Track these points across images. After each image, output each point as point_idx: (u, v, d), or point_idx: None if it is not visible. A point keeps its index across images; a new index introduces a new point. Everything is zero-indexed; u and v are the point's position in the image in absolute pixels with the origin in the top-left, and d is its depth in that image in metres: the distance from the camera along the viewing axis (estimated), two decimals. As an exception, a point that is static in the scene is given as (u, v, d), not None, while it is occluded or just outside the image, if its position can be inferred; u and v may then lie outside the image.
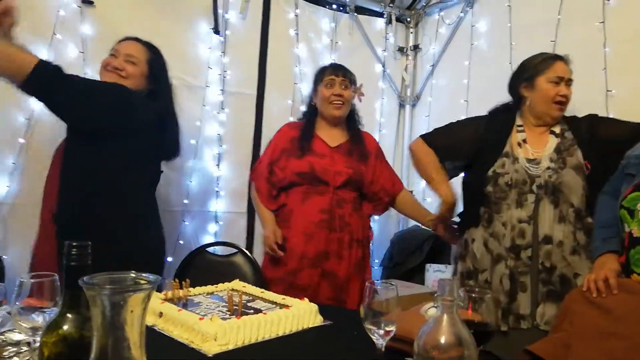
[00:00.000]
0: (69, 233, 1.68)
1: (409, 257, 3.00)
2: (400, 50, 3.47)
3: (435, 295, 0.89)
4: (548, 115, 1.96)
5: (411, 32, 3.48)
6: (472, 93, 2.99)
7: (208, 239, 2.66)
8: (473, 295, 1.09)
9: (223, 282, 1.71)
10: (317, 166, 2.17)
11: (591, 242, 1.78)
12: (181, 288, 1.55)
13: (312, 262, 2.13)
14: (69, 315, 0.81)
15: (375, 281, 1.13)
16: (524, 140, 1.97)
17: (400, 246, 3.11)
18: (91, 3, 2.35)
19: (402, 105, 3.51)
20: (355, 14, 3.22)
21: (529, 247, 1.85)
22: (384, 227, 3.36)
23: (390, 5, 3.34)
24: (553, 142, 1.95)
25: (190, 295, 1.56)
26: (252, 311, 1.42)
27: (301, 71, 2.99)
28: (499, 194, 1.91)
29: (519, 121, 2.03)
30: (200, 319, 1.27)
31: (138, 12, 2.47)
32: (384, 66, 3.36)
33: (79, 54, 2.32)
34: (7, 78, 1.64)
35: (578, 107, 2.34)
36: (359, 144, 2.30)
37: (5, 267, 1.97)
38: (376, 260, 3.27)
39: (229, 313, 1.41)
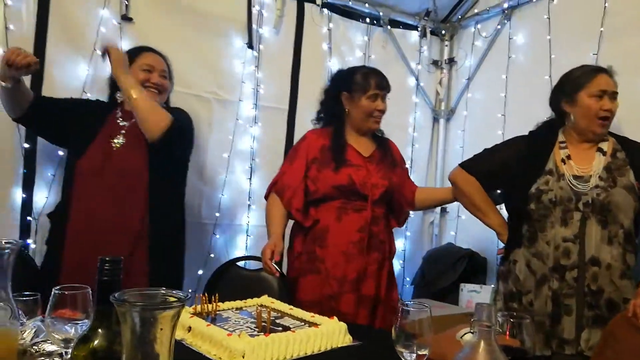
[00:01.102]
0: (158, 248, 1.90)
1: (442, 275, 2.91)
2: (435, 63, 3.43)
3: (472, 320, 0.85)
4: (591, 131, 1.87)
5: (446, 45, 3.43)
6: (509, 107, 2.92)
7: (238, 252, 2.66)
8: (512, 319, 1.05)
9: (252, 297, 1.70)
10: (356, 178, 2.02)
11: (637, 263, 1.70)
12: (210, 302, 1.54)
13: (354, 286, 1.98)
14: (99, 330, 0.82)
15: (408, 302, 1.10)
16: (568, 157, 1.88)
17: (433, 264, 3.03)
18: (130, 19, 2.41)
19: (436, 119, 3.46)
20: (389, 27, 3.20)
21: (575, 267, 1.74)
22: (416, 243, 3.30)
23: (425, 18, 3.31)
24: (600, 159, 1.85)
25: (219, 310, 1.55)
26: (280, 328, 1.40)
27: (334, 85, 2.98)
28: (542, 212, 1.82)
29: (561, 137, 1.94)
30: (229, 334, 1.26)
31: (174, 28, 2.52)
32: (417, 80, 3.32)
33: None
34: (143, 127, 1.85)
35: (623, 124, 2.25)
36: (387, 151, 2.20)
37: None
38: (407, 279, 3.20)
39: (257, 330, 1.39)
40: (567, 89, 1.92)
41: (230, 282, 2.09)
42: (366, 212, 2.03)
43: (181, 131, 1.95)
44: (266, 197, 2.14)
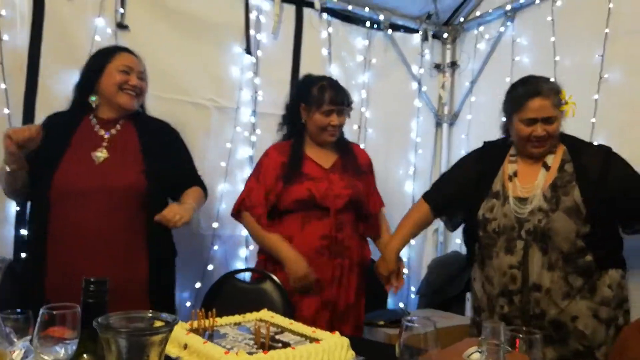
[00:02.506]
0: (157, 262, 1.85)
1: (448, 285, 2.85)
2: (437, 67, 3.38)
3: (480, 338, 0.80)
4: (527, 152, 1.86)
5: (448, 49, 3.39)
6: (513, 110, 2.86)
7: (239, 264, 2.61)
8: (521, 335, 1.00)
9: (251, 311, 1.64)
10: (316, 192, 2.04)
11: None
12: (207, 317, 1.49)
13: (315, 291, 2.01)
14: (85, 355, 0.79)
15: (413, 316, 1.05)
16: (515, 174, 1.87)
17: (439, 273, 2.97)
18: (126, 27, 2.38)
19: (439, 124, 3.41)
20: (390, 31, 3.16)
21: (519, 292, 1.80)
22: (420, 252, 3.24)
23: (427, 21, 3.27)
24: (543, 176, 1.81)
25: (216, 326, 1.49)
26: (280, 345, 1.34)
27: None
28: (487, 240, 1.87)
29: (513, 150, 1.93)
30: (226, 352, 1.20)
31: (171, 35, 2.49)
32: (419, 84, 3.28)
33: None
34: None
35: (628, 128, 2.20)
36: (350, 159, 2.18)
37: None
38: (412, 288, 3.14)
39: (255, 346, 1.33)
40: (506, 107, 1.90)
41: (229, 295, 2.03)
42: (329, 220, 2.05)
43: (205, 188, 2.08)
44: (235, 215, 2.15)
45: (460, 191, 1.99)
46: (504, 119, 1.97)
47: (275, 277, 2.01)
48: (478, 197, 1.89)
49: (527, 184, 1.83)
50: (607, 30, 2.38)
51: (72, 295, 0.96)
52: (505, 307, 1.82)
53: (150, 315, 0.66)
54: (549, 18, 2.68)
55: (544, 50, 2.69)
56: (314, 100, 2.08)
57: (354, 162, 2.18)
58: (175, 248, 1.99)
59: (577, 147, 1.85)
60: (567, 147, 1.86)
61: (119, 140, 1.84)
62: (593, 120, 2.37)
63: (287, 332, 1.48)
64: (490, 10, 3.08)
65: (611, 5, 2.37)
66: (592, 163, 1.80)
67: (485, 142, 2.08)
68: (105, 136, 1.85)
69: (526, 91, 1.81)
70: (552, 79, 2.49)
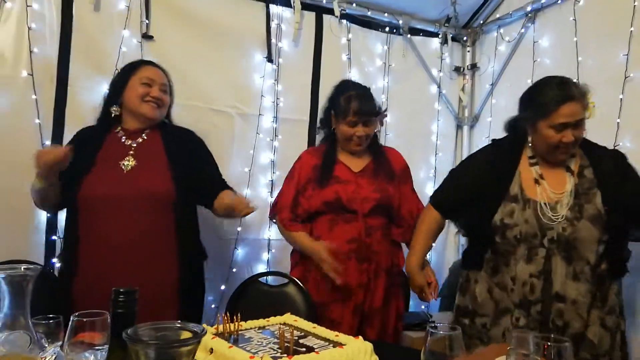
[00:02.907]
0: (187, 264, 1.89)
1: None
2: (457, 70, 3.37)
3: (509, 349, 0.80)
4: (551, 158, 1.79)
5: (468, 51, 3.37)
6: (535, 112, 2.83)
7: (261, 267, 2.64)
8: (549, 343, 0.97)
9: (274, 314, 1.66)
10: (343, 194, 2.05)
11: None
12: (232, 321, 1.51)
13: (342, 296, 2.02)
14: None
15: (435, 319, 1.05)
16: (542, 177, 1.77)
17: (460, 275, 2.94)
18: (151, 37, 2.43)
19: (459, 127, 3.39)
20: (409, 35, 3.16)
21: (539, 302, 1.71)
22: (441, 254, 3.23)
23: (446, 25, 3.25)
24: (570, 181, 1.75)
25: (241, 330, 1.52)
26: (304, 349, 1.35)
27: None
28: (506, 247, 1.76)
29: (529, 152, 1.83)
30: (251, 357, 1.23)
31: (194, 44, 2.54)
32: (439, 87, 3.27)
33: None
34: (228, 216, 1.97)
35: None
36: (383, 163, 2.16)
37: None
38: (434, 291, 3.13)
39: (280, 351, 1.35)
40: (529, 113, 1.79)
41: (253, 298, 2.06)
42: (357, 224, 2.04)
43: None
44: (271, 218, 2.26)
45: (470, 194, 1.89)
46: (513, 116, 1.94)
47: (298, 281, 2.03)
48: (493, 201, 1.79)
49: (558, 189, 1.75)
50: (632, 29, 2.34)
51: (100, 300, 0.99)
52: (521, 319, 1.73)
53: (178, 325, 0.67)
54: (572, 18, 2.65)
55: (566, 50, 2.66)
56: (340, 111, 2.09)
57: (387, 167, 2.16)
58: (205, 251, 2.03)
59: (594, 151, 1.80)
60: (583, 150, 1.81)
61: (145, 149, 1.88)
62: (618, 120, 2.33)
63: (311, 336, 1.49)
64: (510, 12, 3.05)
65: (636, 3, 2.33)
66: (611, 168, 1.75)
67: (493, 140, 2.05)
68: (132, 145, 1.90)
69: (558, 96, 1.70)
70: (575, 80, 2.50)
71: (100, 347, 1.00)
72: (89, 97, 2.30)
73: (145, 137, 1.93)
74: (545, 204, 1.72)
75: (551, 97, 1.71)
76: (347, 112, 2.07)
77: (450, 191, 2.00)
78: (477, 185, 1.86)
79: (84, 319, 1.00)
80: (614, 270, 1.73)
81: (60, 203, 1.89)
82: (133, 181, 1.82)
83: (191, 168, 1.92)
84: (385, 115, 2.21)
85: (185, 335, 0.68)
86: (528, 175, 1.79)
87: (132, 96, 1.89)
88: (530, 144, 1.85)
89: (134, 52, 2.39)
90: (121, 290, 0.81)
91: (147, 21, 2.42)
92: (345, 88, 2.16)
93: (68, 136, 2.21)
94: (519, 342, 0.94)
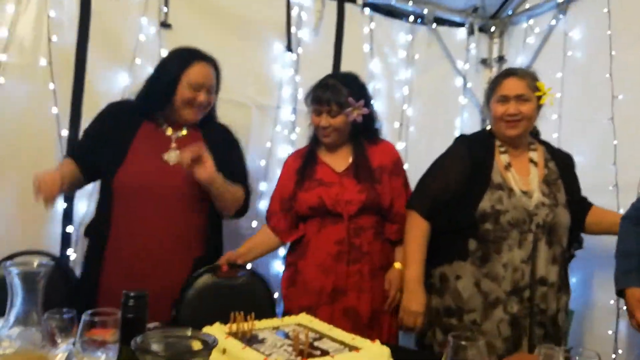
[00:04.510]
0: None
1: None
2: (483, 62, 3.26)
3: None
4: (501, 134, 1.91)
5: (495, 43, 3.26)
6: (565, 108, 2.72)
7: (277, 262, 2.60)
8: (577, 358, 0.94)
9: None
10: (326, 198, 1.97)
11: (615, 270, 1.76)
12: (246, 320, 1.48)
13: (331, 298, 1.95)
14: None
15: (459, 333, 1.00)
16: (509, 165, 1.89)
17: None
18: (169, 26, 2.40)
19: (484, 121, 3.28)
20: (434, 25, 3.06)
21: (527, 288, 1.79)
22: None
23: (473, 14, 3.15)
24: (535, 172, 1.89)
25: (255, 330, 1.49)
26: (319, 352, 1.32)
27: (375, 87, 2.87)
28: (499, 233, 1.77)
29: (498, 142, 1.96)
30: (265, 359, 1.19)
31: (212, 33, 2.48)
32: (465, 80, 3.17)
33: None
34: (222, 207, 1.91)
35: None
36: (365, 162, 2.02)
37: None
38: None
39: (294, 353, 1.31)
40: (486, 96, 1.99)
41: (203, 291, 1.92)
42: (343, 225, 1.97)
43: (248, 194, 2.03)
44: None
45: (454, 191, 1.88)
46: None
47: (257, 272, 2.02)
48: (478, 189, 1.83)
49: (524, 177, 1.87)
50: (669, 23, 2.23)
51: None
52: (514, 306, 1.77)
53: (189, 334, 0.64)
54: (605, 9, 2.53)
55: (600, 44, 2.54)
56: (308, 102, 2.07)
57: (369, 166, 2.02)
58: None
59: (553, 150, 2.01)
60: (545, 148, 1.98)
61: (187, 144, 1.84)
62: (653, 117, 2.23)
63: (326, 339, 1.45)
64: (540, 2, 2.93)
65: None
66: (567, 165, 1.97)
67: (461, 135, 2.10)
68: (174, 137, 1.90)
69: (502, 73, 2.00)
70: (607, 75, 2.41)
71: (111, 346, 0.99)
72: (106, 86, 2.27)
73: (186, 132, 1.93)
74: (523, 191, 1.84)
75: (497, 76, 2.02)
76: (309, 101, 2.05)
77: (432, 195, 1.93)
78: (459, 181, 1.88)
79: (96, 319, 0.99)
80: (572, 256, 1.96)
81: (82, 183, 1.92)
82: (177, 175, 1.81)
83: (224, 167, 1.89)
84: (360, 109, 1.99)
85: (196, 345, 0.65)
86: (501, 163, 1.89)
87: (178, 99, 1.85)
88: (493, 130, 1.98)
89: (152, 40, 2.35)
90: (131, 294, 0.80)
91: (165, 9, 2.38)
92: (323, 78, 2.09)
93: (85, 126, 2.18)
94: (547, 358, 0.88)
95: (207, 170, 1.75)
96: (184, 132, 1.92)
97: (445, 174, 1.93)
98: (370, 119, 2.07)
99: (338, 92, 1.97)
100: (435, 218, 1.92)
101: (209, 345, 0.61)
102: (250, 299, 1.96)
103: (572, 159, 2.03)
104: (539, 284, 1.78)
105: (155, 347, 0.60)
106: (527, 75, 1.90)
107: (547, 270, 1.79)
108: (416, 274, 1.87)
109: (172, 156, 1.85)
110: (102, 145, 1.84)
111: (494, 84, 1.94)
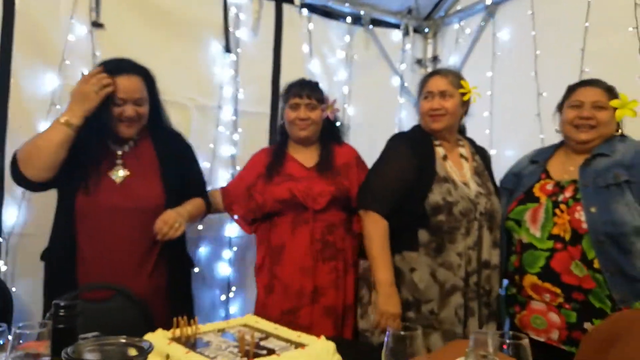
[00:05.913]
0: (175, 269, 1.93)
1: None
2: (419, 62, 3.37)
3: (467, 350, 0.78)
4: (429, 129, 1.99)
5: (429, 43, 3.38)
6: (495, 105, 2.86)
7: (223, 265, 2.57)
8: (508, 341, 0.98)
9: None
10: (296, 191, 2.03)
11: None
12: (189, 325, 1.46)
13: (311, 299, 1.99)
14: None
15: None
16: (446, 157, 1.97)
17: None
18: (101, 26, 2.30)
19: (422, 119, 3.40)
20: (371, 26, 3.13)
21: (475, 272, 1.88)
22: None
23: (407, 16, 3.24)
24: (466, 164, 2.00)
25: (199, 333, 1.47)
26: (264, 352, 1.32)
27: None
28: (453, 224, 1.85)
29: (433, 136, 2.03)
30: (210, 362, 1.18)
31: (148, 34, 2.42)
32: (402, 79, 3.26)
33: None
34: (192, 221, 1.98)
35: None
36: (332, 158, 2.13)
37: (14, 300, 1.91)
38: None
39: (240, 355, 1.31)
40: (417, 94, 2.09)
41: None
42: (318, 223, 2.03)
43: (209, 204, 2.08)
44: (226, 208, 2.23)
45: (403, 187, 1.91)
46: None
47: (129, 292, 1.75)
48: (425, 182, 1.88)
49: (459, 170, 1.97)
50: (587, 24, 2.39)
51: None
52: (468, 292, 1.86)
53: (123, 341, 0.63)
54: (530, 12, 2.69)
55: (525, 44, 2.69)
56: (284, 98, 2.16)
57: (333, 162, 2.14)
58: (192, 260, 2.09)
59: (475, 144, 2.13)
60: (468, 142, 2.10)
61: (136, 157, 1.85)
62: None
63: (272, 338, 1.45)
64: (470, 4, 3.07)
65: (590, -2, 2.38)
66: (486, 158, 2.11)
67: (398, 134, 2.14)
68: (118, 154, 1.86)
69: (428, 73, 2.14)
70: (532, 74, 2.55)
71: (47, 357, 0.95)
72: (34, 88, 2.16)
73: (132, 144, 1.89)
74: (463, 182, 1.93)
75: (424, 75, 2.14)
76: (288, 95, 2.13)
77: (388, 194, 1.93)
78: (408, 176, 1.91)
79: (27, 332, 0.97)
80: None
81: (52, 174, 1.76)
82: (127, 193, 1.81)
83: (181, 177, 1.91)
84: (332, 107, 2.16)
85: (132, 351, 0.64)
86: (440, 155, 1.96)
87: (111, 114, 1.80)
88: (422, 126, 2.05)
89: (83, 41, 2.25)
90: (62, 304, 0.76)
91: (96, 8, 2.29)
92: (291, 84, 2.20)
93: (12, 130, 2.09)
94: (478, 343, 0.92)
95: (180, 229, 1.79)
96: (126, 148, 1.88)
97: (395, 171, 1.94)
98: (335, 121, 2.23)
99: (316, 89, 2.16)
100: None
101: (145, 351, 0.60)
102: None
103: (488, 153, 2.18)
104: (483, 267, 1.88)
105: (89, 355, 0.58)
106: (450, 74, 2.00)
107: (490, 254, 1.89)
108: (388, 276, 1.85)
109: (118, 174, 1.83)
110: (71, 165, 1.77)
111: (421, 83, 2.04)
